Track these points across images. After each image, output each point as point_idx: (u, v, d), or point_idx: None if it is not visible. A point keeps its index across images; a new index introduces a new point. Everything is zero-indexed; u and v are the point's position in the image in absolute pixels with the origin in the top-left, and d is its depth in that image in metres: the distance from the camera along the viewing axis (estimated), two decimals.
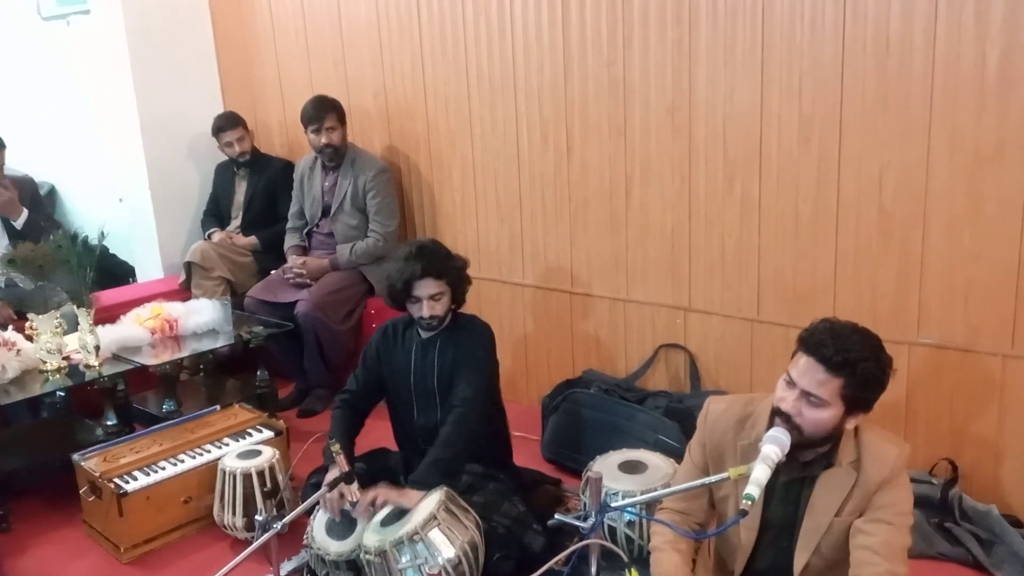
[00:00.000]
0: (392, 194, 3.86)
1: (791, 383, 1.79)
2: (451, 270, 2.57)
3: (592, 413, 3.15)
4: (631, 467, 2.64)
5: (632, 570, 1.62)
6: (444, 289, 2.55)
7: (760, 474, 1.69)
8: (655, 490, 2.20)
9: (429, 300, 2.54)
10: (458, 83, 3.70)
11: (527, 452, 3.29)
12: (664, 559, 1.92)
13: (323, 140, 3.78)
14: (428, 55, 3.79)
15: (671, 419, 2.94)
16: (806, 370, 1.76)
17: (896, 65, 2.62)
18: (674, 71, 3.08)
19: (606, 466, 2.65)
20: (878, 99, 2.67)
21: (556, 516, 1.84)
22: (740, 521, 1.89)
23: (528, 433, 3.43)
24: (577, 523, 1.81)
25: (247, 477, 2.72)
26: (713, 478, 1.80)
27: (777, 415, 1.79)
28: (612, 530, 2.53)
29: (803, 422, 1.76)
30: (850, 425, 1.81)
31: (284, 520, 2.00)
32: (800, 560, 1.85)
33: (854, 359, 1.73)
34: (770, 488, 1.86)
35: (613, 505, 1.87)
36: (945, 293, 2.66)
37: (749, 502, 1.64)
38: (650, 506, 2.20)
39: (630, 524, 2.51)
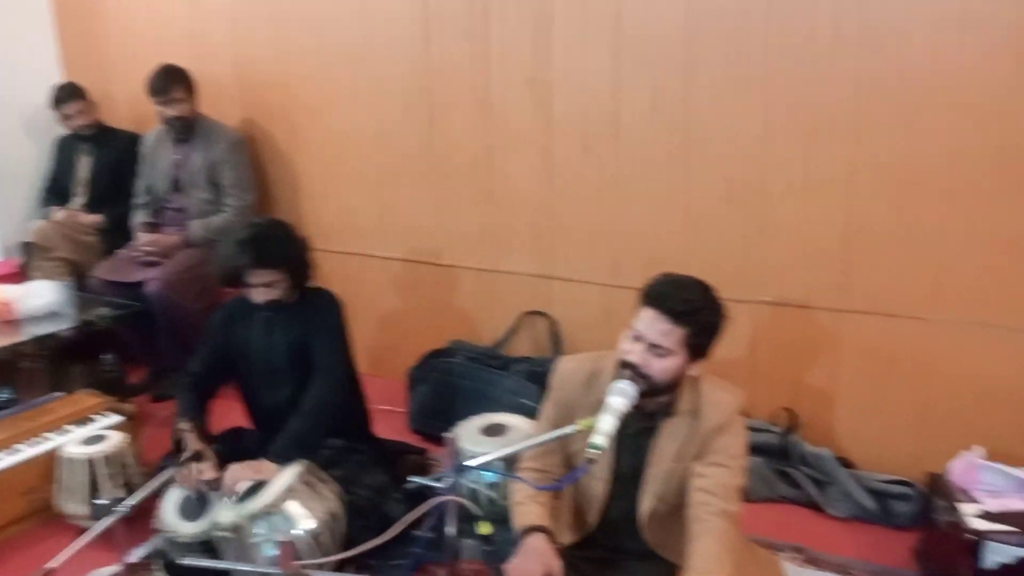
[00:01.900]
0: (247, 167, 3.73)
1: (637, 337, 1.86)
2: (285, 259, 2.47)
3: (457, 381, 3.17)
4: (493, 430, 2.68)
5: (483, 523, 1.64)
6: (278, 277, 2.46)
7: (606, 424, 1.75)
8: None
9: (262, 287, 2.46)
10: (316, 52, 3.61)
11: (395, 425, 3.29)
12: (526, 511, 1.97)
13: (171, 112, 3.61)
14: (285, 23, 3.67)
15: (533, 383, 3.00)
16: (651, 322, 1.84)
17: (737, 39, 2.75)
18: (532, 43, 3.12)
19: (468, 431, 2.68)
20: (723, 72, 2.80)
21: (411, 479, 1.85)
22: (594, 473, 1.99)
23: (396, 407, 3.42)
24: (433, 484, 1.83)
25: (91, 463, 2.58)
26: (563, 430, 1.85)
27: (625, 368, 1.86)
28: (474, 492, 2.56)
29: (651, 371, 1.84)
30: (692, 372, 1.90)
31: (128, 502, 1.92)
32: (646, 506, 1.94)
33: (695, 308, 1.82)
34: (620, 440, 1.93)
35: (469, 464, 1.90)
36: (783, 254, 2.83)
37: (595, 451, 1.70)
38: (510, 466, 2.25)
39: (492, 485, 2.55)
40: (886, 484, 2.63)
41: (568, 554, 2.07)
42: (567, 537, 2.12)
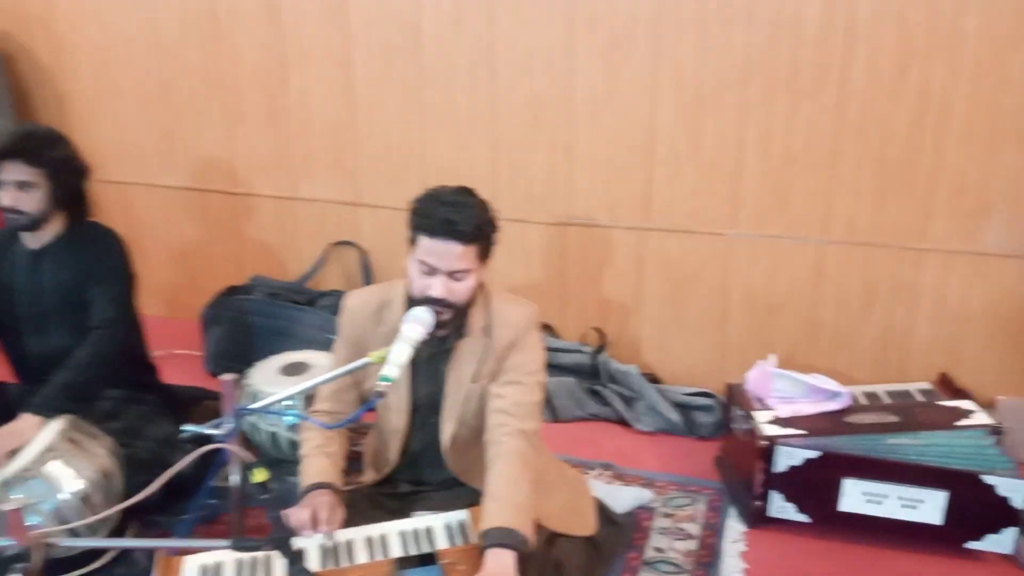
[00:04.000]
0: (2, 86, 3.23)
1: (431, 270, 1.74)
2: (50, 161, 2.15)
3: (257, 320, 2.96)
4: (293, 369, 2.51)
5: (258, 470, 1.49)
6: (36, 180, 2.15)
7: (397, 354, 1.64)
8: None
9: (14, 188, 2.13)
10: None
11: (192, 370, 3.03)
12: (310, 465, 1.85)
13: None
14: None
15: None
16: (442, 252, 1.72)
17: None
18: None
19: (266, 371, 2.50)
20: None
21: (184, 428, 1.66)
22: (392, 406, 1.89)
23: (193, 350, 3.16)
24: (209, 431, 1.65)
25: None
26: (354, 364, 1.72)
27: (427, 303, 1.74)
28: (274, 436, 2.40)
29: (457, 298, 1.75)
30: (484, 277, 1.82)
31: None
32: (447, 432, 1.86)
33: (480, 221, 1.73)
34: (415, 368, 1.84)
35: (249, 408, 1.74)
36: (588, 174, 2.79)
37: (385, 383, 1.59)
38: (308, 404, 2.11)
39: (294, 427, 2.39)
40: (689, 396, 2.71)
41: (371, 492, 1.99)
42: (370, 476, 2.03)
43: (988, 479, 2.03)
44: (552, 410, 2.73)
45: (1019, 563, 2.10)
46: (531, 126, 2.80)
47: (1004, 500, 2.03)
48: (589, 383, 2.79)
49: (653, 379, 2.82)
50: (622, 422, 2.74)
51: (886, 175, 2.54)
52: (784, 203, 2.64)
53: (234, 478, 1.79)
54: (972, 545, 2.09)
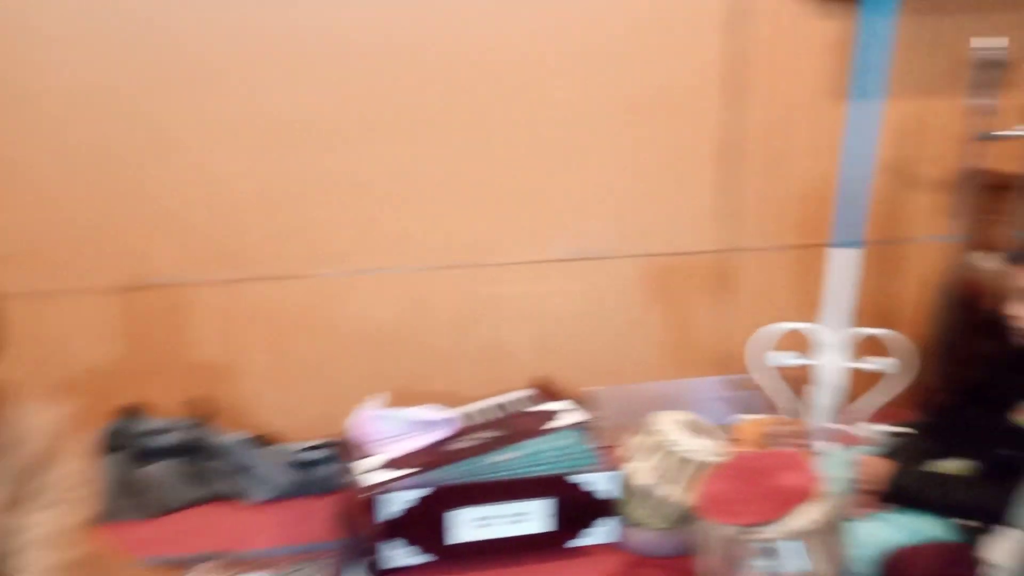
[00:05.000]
0: None
1: None
2: None
3: None
4: None
5: None
6: None
7: None
8: None
9: None
10: None
11: None
12: None
13: None
14: None
15: None
16: None
17: None
18: None
19: None
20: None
21: None
22: None
23: None
24: None
25: None
26: None
27: None
28: None
29: None
30: None
31: None
32: None
33: None
34: None
35: None
36: (160, 229, 2.49)
37: None
38: None
39: None
40: (305, 452, 2.53)
41: None
42: None
43: (574, 478, 2.11)
44: (151, 504, 2.38)
45: (627, 548, 2.18)
46: (80, 180, 2.41)
47: (591, 494, 2.13)
48: (189, 464, 2.48)
49: (268, 441, 2.59)
50: (235, 498, 2.47)
51: (460, 198, 2.60)
52: (369, 237, 2.59)
53: None
54: (574, 543, 2.17)
